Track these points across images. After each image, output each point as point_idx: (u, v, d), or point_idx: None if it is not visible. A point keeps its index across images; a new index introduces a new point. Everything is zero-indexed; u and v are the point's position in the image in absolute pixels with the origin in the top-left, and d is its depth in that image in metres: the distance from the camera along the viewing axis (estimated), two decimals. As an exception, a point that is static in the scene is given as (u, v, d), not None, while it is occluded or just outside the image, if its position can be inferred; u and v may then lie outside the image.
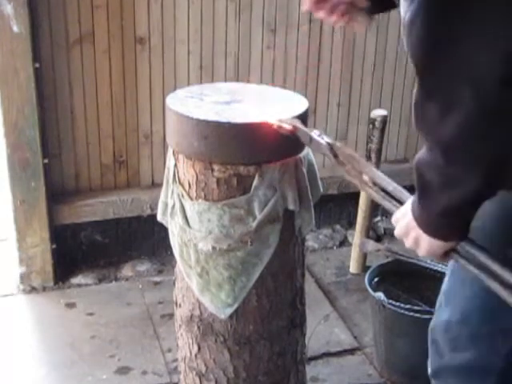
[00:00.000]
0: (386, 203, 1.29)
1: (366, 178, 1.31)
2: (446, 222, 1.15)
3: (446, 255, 1.21)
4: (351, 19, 1.49)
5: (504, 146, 1.06)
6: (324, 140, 1.38)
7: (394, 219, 1.26)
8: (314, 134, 1.39)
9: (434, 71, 1.05)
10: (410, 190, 1.26)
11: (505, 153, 1.07)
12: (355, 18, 1.48)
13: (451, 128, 1.04)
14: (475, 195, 1.11)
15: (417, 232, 1.20)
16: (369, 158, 2.67)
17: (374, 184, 1.31)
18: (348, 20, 1.49)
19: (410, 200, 1.23)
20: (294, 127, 1.42)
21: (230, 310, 1.58)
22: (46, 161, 2.58)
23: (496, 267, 1.14)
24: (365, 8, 1.48)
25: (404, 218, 1.23)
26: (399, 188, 1.28)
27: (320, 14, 1.50)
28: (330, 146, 1.36)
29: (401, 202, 1.27)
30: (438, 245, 1.19)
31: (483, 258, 1.16)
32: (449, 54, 1.02)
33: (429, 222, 1.17)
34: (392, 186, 1.29)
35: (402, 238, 1.25)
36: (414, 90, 1.09)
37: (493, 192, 1.14)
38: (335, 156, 1.35)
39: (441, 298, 1.51)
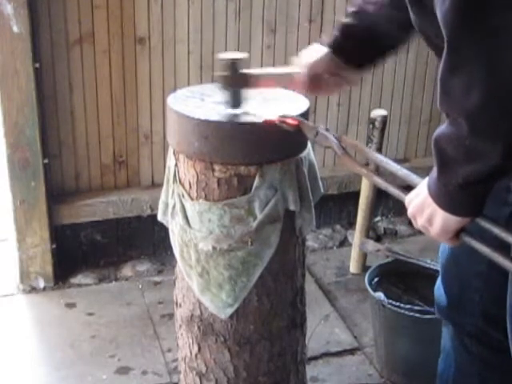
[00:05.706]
0: (393, 190, 1.29)
1: (371, 167, 1.32)
2: (465, 196, 1.15)
3: (457, 236, 1.21)
4: (345, 83, 1.61)
5: None
6: (330, 133, 1.39)
7: (407, 200, 1.26)
8: (320, 128, 1.40)
9: (463, 43, 1.05)
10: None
11: None
12: (347, 79, 1.58)
13: (477, 99, 1.05)
14: (495, 169, 1.10)
15: (432, 208, 1.19)
16: (369, 157, 2.67)
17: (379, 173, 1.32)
18: (344, 85, 1.62)
19: (424, 181, 1.22)
20: (299, 122, 1.42)
21: (230, 310, 1.58)
22: (46, 161, 2.58)
23: None
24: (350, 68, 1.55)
25: (418, 197, 1.23)
26: (408, 172, 1.29)
27: (320, 93, 1.67)
28: (337, 139, 1.37)
29: (407, 188, 1.27)
30: (453, 220, 1.18)
31: (498, 230, 1.16)
32: (476, 29, 1.03)
33: (446, 196, 1.16)
34: (402, 171, 1.29)
35: (414, 218, 1.24)
36: (440, 65, 1.09)
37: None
38: (342, 148, 1.36)
39: None
